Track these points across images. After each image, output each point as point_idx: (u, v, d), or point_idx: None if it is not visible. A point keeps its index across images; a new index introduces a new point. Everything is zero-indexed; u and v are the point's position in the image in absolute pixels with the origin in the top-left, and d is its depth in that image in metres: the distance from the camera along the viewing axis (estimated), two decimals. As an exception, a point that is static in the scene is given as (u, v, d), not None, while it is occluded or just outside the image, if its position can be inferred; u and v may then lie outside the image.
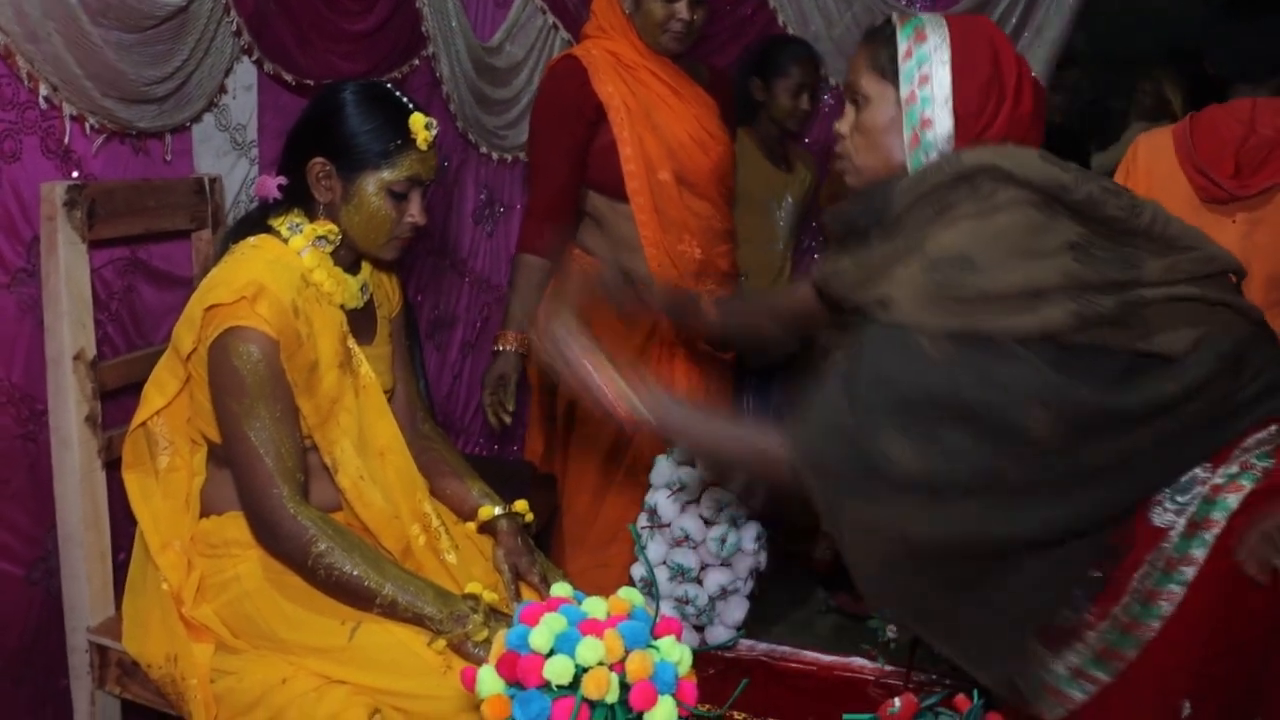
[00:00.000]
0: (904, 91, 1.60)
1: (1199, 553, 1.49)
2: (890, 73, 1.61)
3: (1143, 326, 1.47)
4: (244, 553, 1.76)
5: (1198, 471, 1.52)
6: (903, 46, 1.61)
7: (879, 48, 1.64)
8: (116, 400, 2.00)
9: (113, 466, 1.92)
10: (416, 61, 2.90)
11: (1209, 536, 1.49)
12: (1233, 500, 1.48)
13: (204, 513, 1.83)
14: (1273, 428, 1.51)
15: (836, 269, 1.67)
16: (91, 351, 1.88)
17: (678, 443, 1.82)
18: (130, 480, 1.84)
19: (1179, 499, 1.52)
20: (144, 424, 1.83)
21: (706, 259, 2.59)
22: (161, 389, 1.81)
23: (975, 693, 1.53)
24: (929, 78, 1.58)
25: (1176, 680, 1.50)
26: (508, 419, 2.40)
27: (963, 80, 1.58)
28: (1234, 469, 1.50)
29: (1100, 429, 1.48)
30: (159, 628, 1.78)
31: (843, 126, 1.69)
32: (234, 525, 1.78)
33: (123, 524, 1.98)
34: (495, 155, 3.21)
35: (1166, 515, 1.52)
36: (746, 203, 3.01)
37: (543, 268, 2.56)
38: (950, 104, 1.58)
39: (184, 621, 1.75)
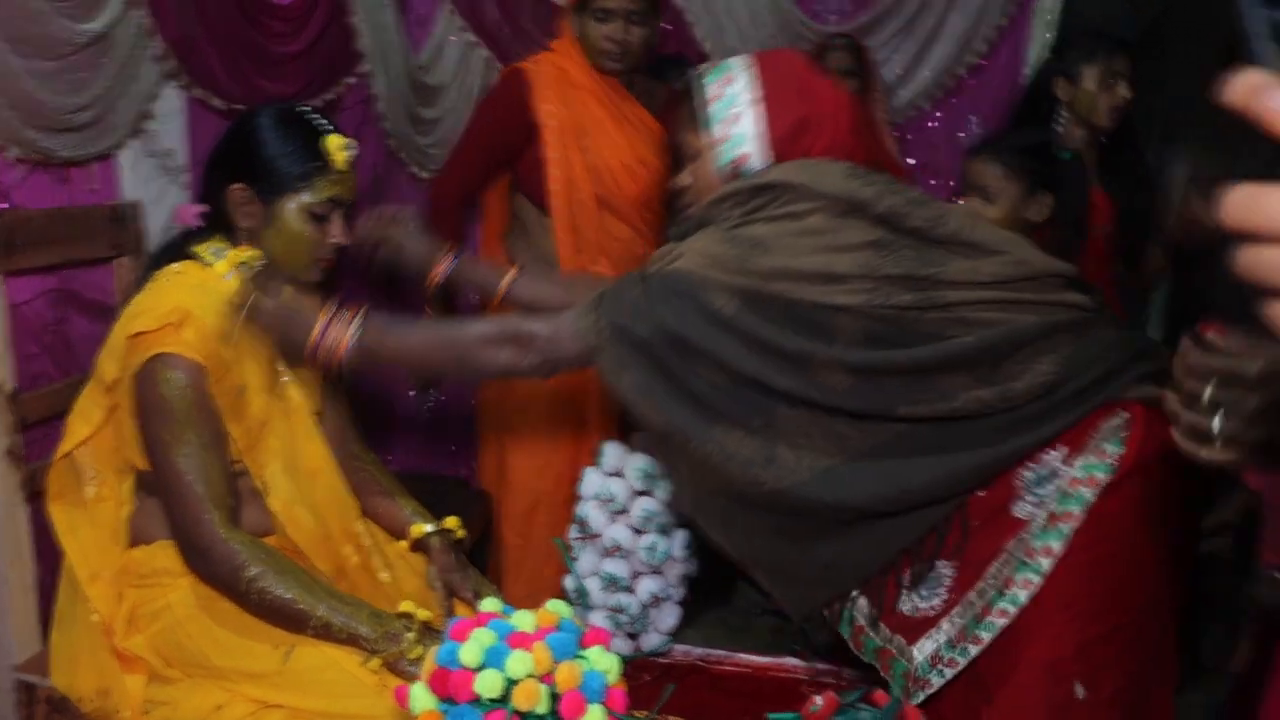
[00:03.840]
0: (716, 133, 1.71)
1: (1057, 544, 1.56)
2: (702, 120, 1.72)
3: (956, 319, 1.57)
4: (175, 581, 1.76)
5: (1058, 465, 1.58)
6: (710, 91, 1.72)
7: (685, 104, 1.75)
8: (40, 431, 1.98)
9: (36, 499, 1.90)
10: (351, 80, 2.90)
11: (1066, 529, 1.56)
12: (1089, 494, 1.55)
13: (133, 542, 1.81)
14: (1125, 415, 1.58)
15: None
16: (10, 383, 1.86)
17: (405, 351, 1.79)
18: (56, 512, 1.82)
19: (1038, 492, 1.59)
20: (69, 454, 1.81)
21: None
22: (86, 419, 1.80)
23: (893, 688, 1.58)
24: (739, 117, 1.69)
25: (1063, 667, 1.56)
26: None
27: (775, 119, 1.69)
28: (1091, 459, 1.57)
29: (896, 381, 1.57)
30: (89, 661, 1.76)
31: (683, 180, 1.79)
32: (164, 554, 1.77)
33: (46, 557, 1.96)
34: (423, 174, 3.22)
35: (1026, 507, 1.59)
36: None
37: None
38: (765, 138, 1.69)
39: (115, 653, 1.74)
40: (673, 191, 1.85)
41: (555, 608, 1.42)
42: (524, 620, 1.38)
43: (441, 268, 2.11)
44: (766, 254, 1.58)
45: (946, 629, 1.62)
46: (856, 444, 1.59)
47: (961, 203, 2.32)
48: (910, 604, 1.66)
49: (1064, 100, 2.81)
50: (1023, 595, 1.56)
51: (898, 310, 1.56)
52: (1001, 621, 1.57)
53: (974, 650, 1.58)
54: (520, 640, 1.34)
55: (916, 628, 1.64)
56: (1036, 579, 1.56)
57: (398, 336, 1.75)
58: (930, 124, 3.56)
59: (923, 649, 1.63)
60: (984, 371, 1.57)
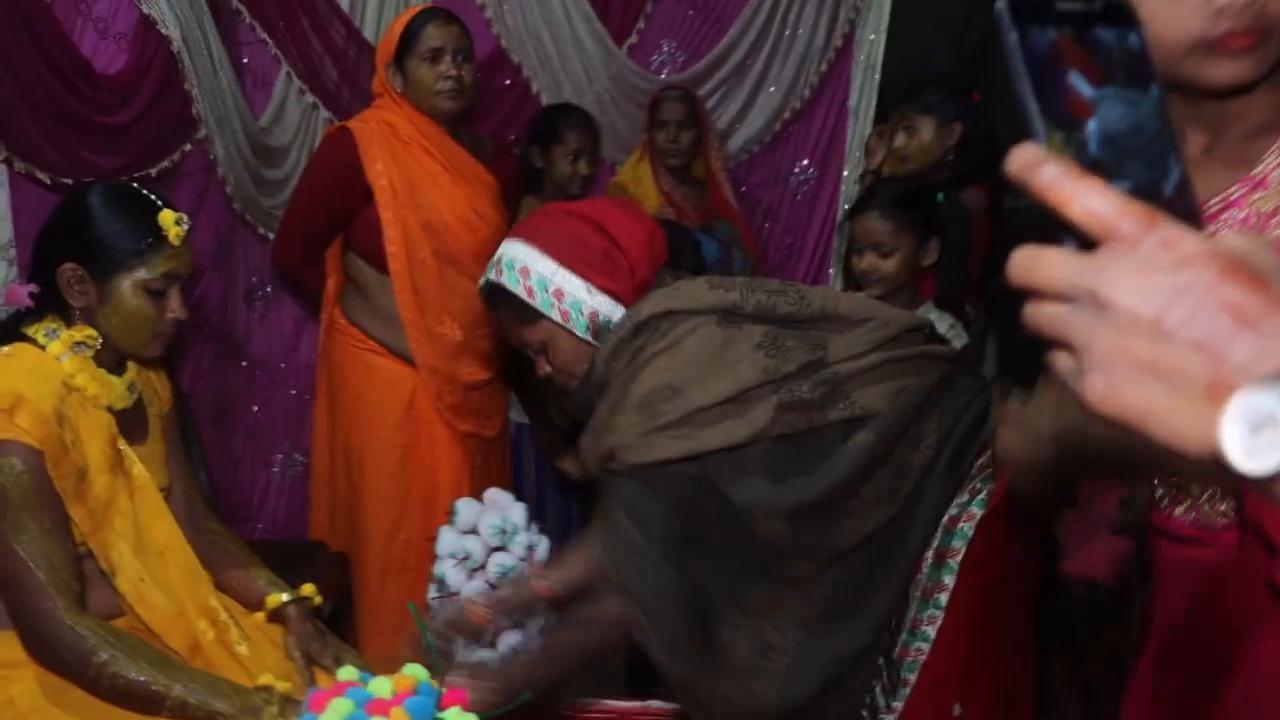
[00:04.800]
0: (555, 317, 1.74)
1: (949, 579, 1.68)
2: (533, 314, 1.75)
3: (845, 398, 1.66)
4: (17, 673, 1.71)
5: None
6: (520, 288, 1.75)
7: (505, 308, 1.79)
8: None
9: None
10: (189, 147, 2.87)
11: (954, 563, 1.68)
12: (968, 528, 1.68)
13: (-29, 636, 1.77)
14: (990, 452, 1.70)
15: (582, 450, 1.80)
16: None
17: (545, 679, 1.79)
18: (-113, 609, 1.76)
19: None
20: (-101, 548, 1.76)
21: (467, 340, 2.67)
22: None
23: None
24: (561, 289, 1.73)
25: (946, 689, 1.68)
26: None
27: (586, 268, 1.74)
28: (964, 498, 1.69)
29: (828, 507, 1.66)
30: (-70, 762, 1.71)
31: (543, 370, 1.82)
32: (4, 645, 1.72)
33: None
34: (271, 234, 3.18)
35: None
36: None
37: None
38: (594, 287, 1.73)
39: (-43, 754, 1.69)
40: (542, 381, 1.87)
41: (412, 671, 1.45)
42: (381, 687, 1.41)
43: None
44: (676, 395, 1.63)
45: (884, 681, 1.72)
46: (819, 597, 1.68)
47: (861, 260, 2.41)
48: None
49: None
50: (930, 631, 1.68)
51: (802, 411, 1.63)
52: (920, 659, 1.68)
53: (905, 691, 1.69)
54: (378, 707, 1.37)
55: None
56: (939, 614, 1.68)
57: (545, 675, 1.76)
58: (762, 166, 3.72)
59: (870, 704, 1.72)
60: (894, 451, 1.67)
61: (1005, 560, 1.72)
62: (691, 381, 1.63)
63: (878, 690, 1.71)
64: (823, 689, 1.70)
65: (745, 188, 3.66)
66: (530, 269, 1.74)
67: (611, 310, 1.74)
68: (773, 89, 3.61)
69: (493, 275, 1.78)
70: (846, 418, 1.65)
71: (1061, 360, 0.58)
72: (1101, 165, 0.59)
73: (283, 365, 3.24)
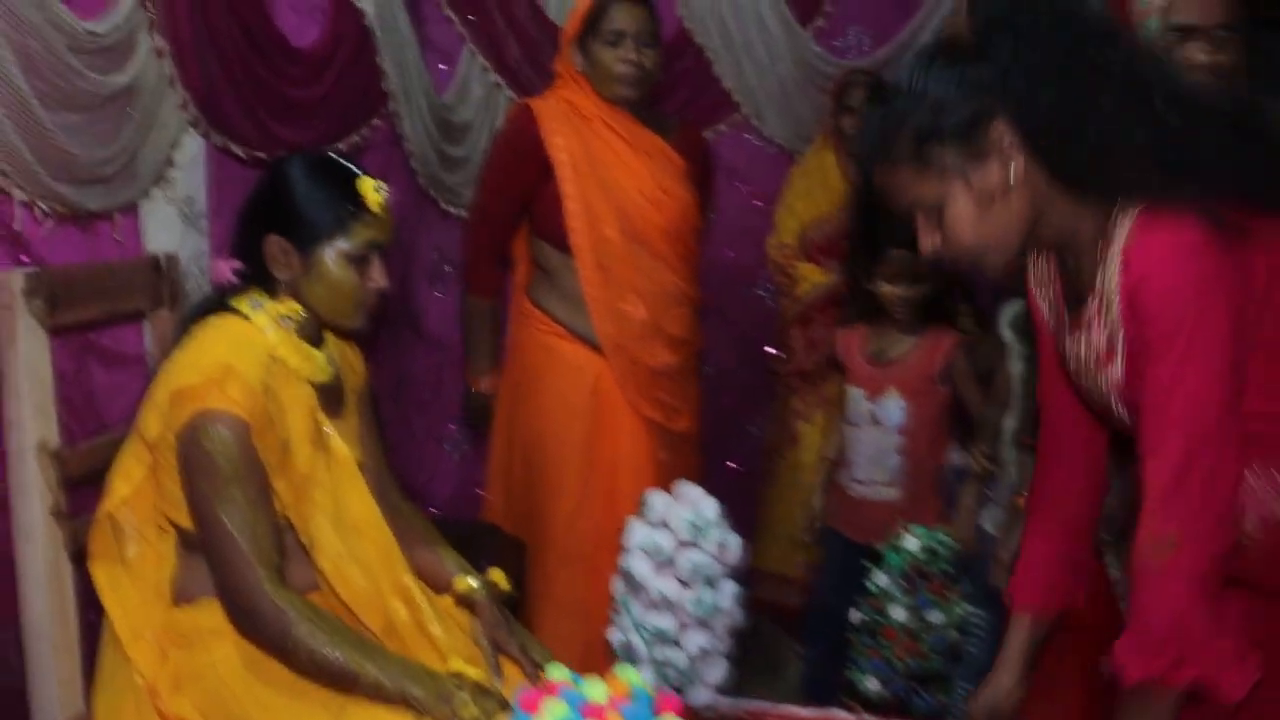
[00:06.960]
0: None
1: None
2: None
3: None
4: (219, 641, 1.73)
5: None
6: None
7: None
8: (78, 489, 1.95)
9: (76, 557, 1.86)
10: (377, 121, 2.89)
11: None
12: None
13: (176, 601, 1.79)
14: None
15: None
16: (54, 441, 1.83)
17: None
18: (97, 571, 1.79)
19: None
20: (109, 513, 1.79)
21: (653, 321, 2.60)
22: (127, 477, 1.78)
23: None
24: None
25: None
26: None
27: None
28: None
29: None
30: (134, 723, 1.73)
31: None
32: (208, 612, 1.74)
33: (83, 617, 1.90)
34: (454, 211, 3.19)
35: None
36: None
37: (490, 309, 2.74)
38: None
39: (160, 715, 1.71)
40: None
41: (625, 675, 1.40)
42: (596, 691, 1.36)
43: None
44: None
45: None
46: None
47: None
48: None
49: None
50: None
51: None
52: None
53: None
54: (594, 712, 1.32)
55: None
56: None
57: None
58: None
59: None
60: None
61: None
62: None
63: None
64: None
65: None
66: None
67: None
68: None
69: None
70: None
71: None
72: None
73: (456, 344, 3.23)
